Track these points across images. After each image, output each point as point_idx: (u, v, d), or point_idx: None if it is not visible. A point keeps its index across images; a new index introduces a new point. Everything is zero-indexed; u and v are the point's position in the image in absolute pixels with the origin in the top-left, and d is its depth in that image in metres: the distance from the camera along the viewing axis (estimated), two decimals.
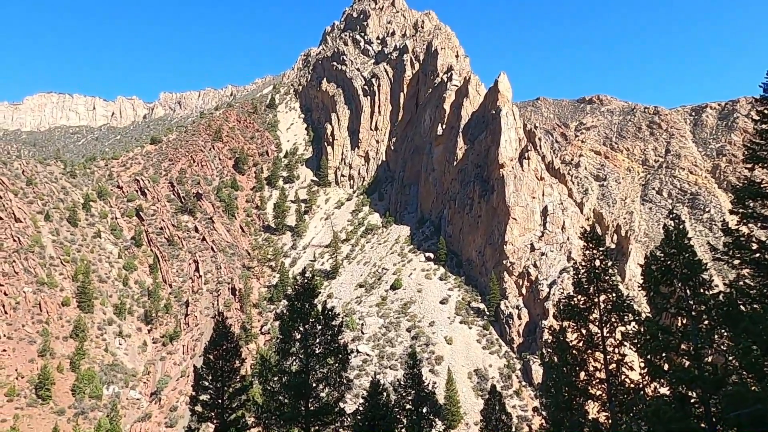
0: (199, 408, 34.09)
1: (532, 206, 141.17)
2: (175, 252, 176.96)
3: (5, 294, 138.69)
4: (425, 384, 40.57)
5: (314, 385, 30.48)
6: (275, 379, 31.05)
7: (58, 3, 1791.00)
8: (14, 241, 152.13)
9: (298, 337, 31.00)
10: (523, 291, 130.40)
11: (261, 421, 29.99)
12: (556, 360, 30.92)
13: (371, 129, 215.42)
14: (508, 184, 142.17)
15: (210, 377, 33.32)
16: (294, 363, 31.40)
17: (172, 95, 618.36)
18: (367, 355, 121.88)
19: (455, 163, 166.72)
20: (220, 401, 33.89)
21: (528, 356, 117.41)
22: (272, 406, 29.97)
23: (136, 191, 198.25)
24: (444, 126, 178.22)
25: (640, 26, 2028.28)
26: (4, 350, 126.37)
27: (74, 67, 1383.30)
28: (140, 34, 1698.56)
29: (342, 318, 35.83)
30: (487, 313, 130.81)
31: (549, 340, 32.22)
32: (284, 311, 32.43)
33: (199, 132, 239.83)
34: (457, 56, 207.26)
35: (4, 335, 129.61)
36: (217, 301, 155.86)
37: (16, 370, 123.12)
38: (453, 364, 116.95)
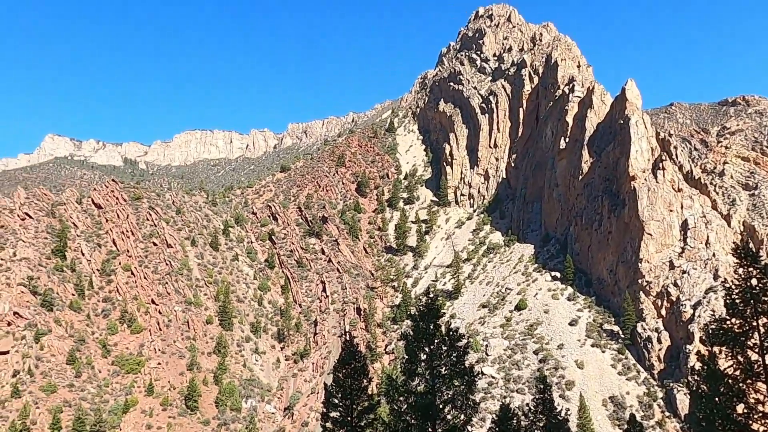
0: (329, 425, 35.05)
1: (669, 220, 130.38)
2: (304, 273, 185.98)
3: (160, 312, 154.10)
4: (557, 410, 38.52)
5: (441, 406, 30.19)
6: (401, 399, 31.15)
7: (199, 51, 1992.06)
8: (166, 264, 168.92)
9: (424, 357, 30.94)
10: (663, 312, 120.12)
11: None
12: (706, 389, 27.93)
13: (490, 147, 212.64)
14: (641, 198, 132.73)
15: (339, 395, 34.19)
16: (420, 383, 31.36)
17: (298, 125, 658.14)
18: (493, 377, 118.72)
19: (581, 177, 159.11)
20: (349, 419, 34.60)
21: (671, 384, 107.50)
22: (400, 426, 30.08)
23: (269, 216, 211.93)
24: (567, 139, 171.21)
25: None
26: (159, 363, 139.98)
27: (214, 104, 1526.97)
28: (270, 70, 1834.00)
29: (467, 339, 35.26)
30: (622, 336, 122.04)
31: (697, 367, 29.23)
32: (409, 331, 32.57)
33: (323, 158, 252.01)
34: (578, 66, 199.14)
35: (159, 350, 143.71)
36: (343, 320, 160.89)
37: (169, 381, 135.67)
38: (585, 390, 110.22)
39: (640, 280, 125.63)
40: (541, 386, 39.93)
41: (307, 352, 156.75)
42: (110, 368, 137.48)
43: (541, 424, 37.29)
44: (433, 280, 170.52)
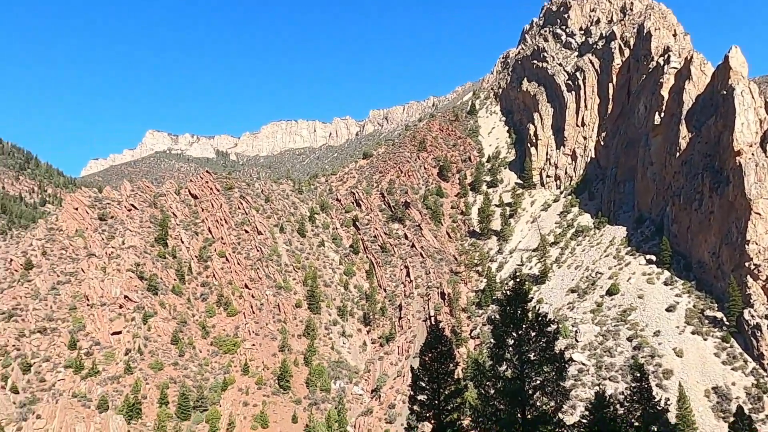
0: (417, 407, 35.44)
1: None
2: (388, 258, 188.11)
3: (252, 296, 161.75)
4: (656, 400, 36.66)
5: (530, 392, 29.66)
6: (489, 384, 30.91)
7: (282, 43, 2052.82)
8: (258, 251, 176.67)
9: (511, 342, 30.44)
10: None
11: (477, 424, 30.08)
12: None
13: (577, 125, 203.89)
14: (748, 174, 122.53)
15: (426, 378, 34.45)
16: (508, 369, 30.93)
17: (379, 112, 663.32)
18: (583, 364, 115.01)
19: (678, 154, 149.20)
20: (436, 402, 34.80)
21: None
22: (488, 411, 29.88)
23: (352, 203, 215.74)
24: (662, 114, 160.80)
25: None
26: (253, 345, 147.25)
27: (298, 94, 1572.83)
28: (350, 58, 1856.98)
29: (556, 324, 34.32)
30: (727, 323, 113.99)
31: None
32: (495, 316, 32.14)
33: (404, 144, 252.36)
34: (674, 35, 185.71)
35: (253, 332, 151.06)
36: (428, 305, 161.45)
37: (263, 362, 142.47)
38: (685, 380, 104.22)
39: (747, 263, 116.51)
40: (638, 374, 38.13)
41: (392, 336, 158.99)
42: (209, 348, 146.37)
43: (638, 414, 35.67)
44: (518, 265, 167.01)
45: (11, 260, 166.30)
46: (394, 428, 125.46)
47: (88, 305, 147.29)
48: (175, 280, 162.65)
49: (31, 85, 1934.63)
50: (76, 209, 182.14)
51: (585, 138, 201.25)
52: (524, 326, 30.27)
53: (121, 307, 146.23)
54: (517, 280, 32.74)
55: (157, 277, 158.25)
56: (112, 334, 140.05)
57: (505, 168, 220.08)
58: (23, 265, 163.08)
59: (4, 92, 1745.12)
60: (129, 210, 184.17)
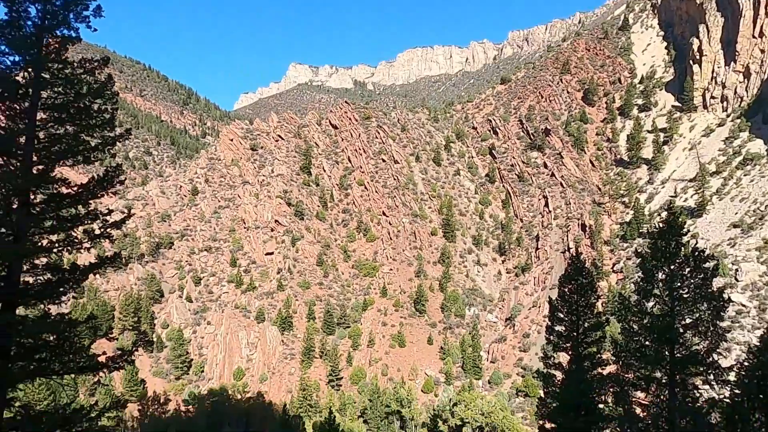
0: (554, 338, 35.00)
1: None
2: (525, 188, 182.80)
3: (390, 224, 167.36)
4: None
5: (681, 330, 27.80)
6: (635, 319, 29.45)
7: None
8: (394, 179, 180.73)
9: (662, 278, 28.42)
10: None
11: (619, 359, 29.07)
12: None
13: (753, 37, 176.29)
14: None
15: (565, 310, 33.61)
16: (656, 305, 29.12)
17: (519, 33, 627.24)
18: (743, 305, 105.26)
19: None
20: (574, 334, 34.03)
21: None
22: (632, 346, 28.65)
23: (489, 131, 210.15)
24: None
25: None
26: (391, 269, 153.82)
27: (434, 19, 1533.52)
28: None
29: (716, 261, 31.34)
30: None
31: None
32: (645, 250, 30.06)
33: (546, 67, 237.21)
34: None
35: (391, 257, 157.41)
36: (567, 236, 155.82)
37: (400, 286, 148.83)
38: None
39: None
40: None
41: (528, 267, 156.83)
42: (350, 271, 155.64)
43: None
44: (671, 196, 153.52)
45: (181, 187, 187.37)
46: (528, 356, 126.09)
47: (244, 228, 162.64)
48: (318, 206, 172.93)
49: (188, 26, 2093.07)
50: (231, 140, 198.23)
51: (763, 51, 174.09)
52: (678, 261, 27.96)
53: (272, 230, 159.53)
54: (672, 211, 30.06)
55: (303, 203, 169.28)
56: (266, 254, 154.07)
57: (660, 89, 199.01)
58: (190, 191, 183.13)
59: (166, 33, 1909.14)
60: (276, 141, 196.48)
